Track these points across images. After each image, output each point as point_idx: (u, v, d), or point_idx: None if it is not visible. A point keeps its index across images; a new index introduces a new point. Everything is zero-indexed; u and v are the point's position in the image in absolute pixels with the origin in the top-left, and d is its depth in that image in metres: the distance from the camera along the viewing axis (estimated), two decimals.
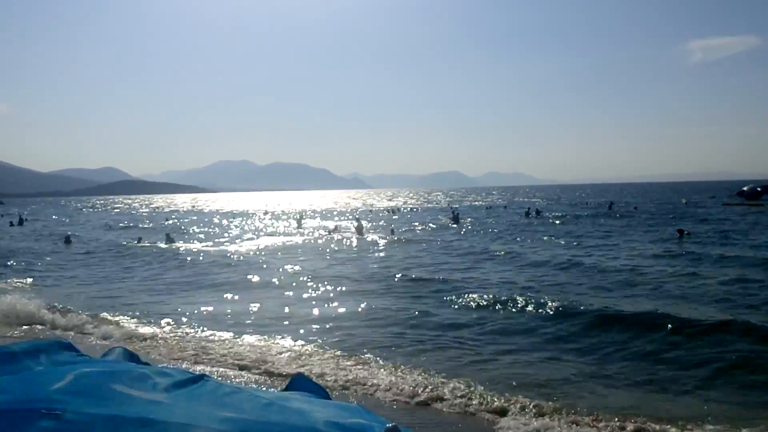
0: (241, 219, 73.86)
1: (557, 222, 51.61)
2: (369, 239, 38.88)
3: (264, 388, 6.04)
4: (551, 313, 15.09)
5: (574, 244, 32.41)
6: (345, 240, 39.04)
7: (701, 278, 20.24)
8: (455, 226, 51.41)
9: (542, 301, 16.15)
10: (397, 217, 71.53)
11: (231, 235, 47.14)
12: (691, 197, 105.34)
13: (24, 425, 2.30)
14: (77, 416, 2.36)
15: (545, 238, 35.24)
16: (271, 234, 46.72)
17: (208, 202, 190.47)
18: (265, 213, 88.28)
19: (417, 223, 53.62)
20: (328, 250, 33.72)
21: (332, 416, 2.69)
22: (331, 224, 53.29)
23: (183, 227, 57.42)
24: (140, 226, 63.41)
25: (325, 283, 21.19)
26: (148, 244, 38.71)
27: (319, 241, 37.68)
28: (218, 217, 79.91)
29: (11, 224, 67.49)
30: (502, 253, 28.06)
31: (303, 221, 57.06)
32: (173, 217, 76.01)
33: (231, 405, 2.68)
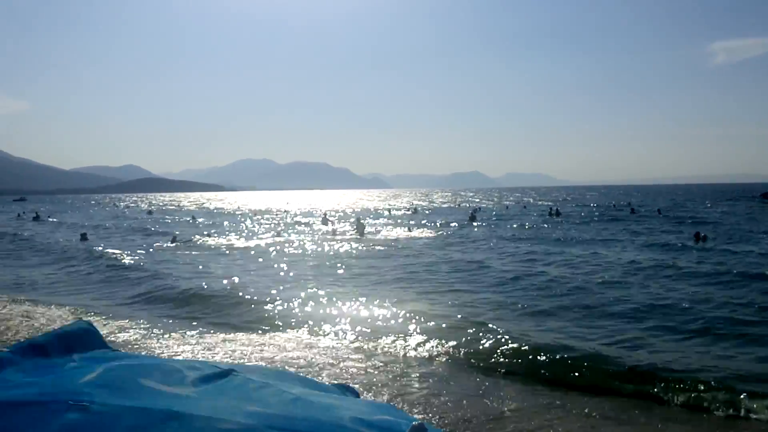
0: (260, 217, 74.17)
1: (576, 223, 50.79)
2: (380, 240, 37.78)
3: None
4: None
5: (575, 251, 29.86)
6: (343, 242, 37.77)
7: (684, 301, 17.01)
8: (475, 224, 52.94)
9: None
10: (414, 214, 73.22)
11: (259, 233, 46.52)
12: (716, 199, 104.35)
13: (52, 416, 2.30)
14: (105, 408, 2.37)
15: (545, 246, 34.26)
16: (278, 234, 45.11)
17: (227, 201, 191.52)
18: (285, 212, 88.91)
19: (430, 225, 53.00)
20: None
21: (359, 413, 2.68)
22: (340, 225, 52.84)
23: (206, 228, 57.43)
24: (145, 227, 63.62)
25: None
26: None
27: (336, 244, 37.15)
28: (231, 217, 79.77)
29: (35, 218, 70.31)
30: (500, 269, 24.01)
31: (329, 220, 56.23)
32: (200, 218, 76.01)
33: (258, 399, 2.68)
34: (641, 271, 22.36)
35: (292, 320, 14.77)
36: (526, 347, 11.80)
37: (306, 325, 14.24)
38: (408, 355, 12.01)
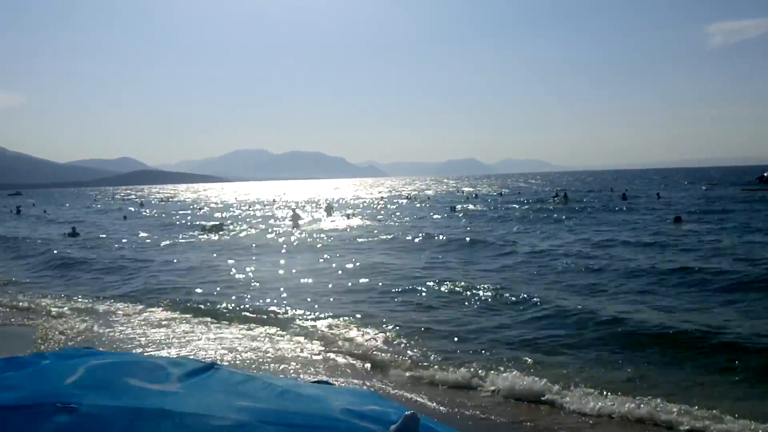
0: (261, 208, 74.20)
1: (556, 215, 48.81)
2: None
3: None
4: None
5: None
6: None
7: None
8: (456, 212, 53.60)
9: None
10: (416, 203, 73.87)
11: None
12: (712, 183, 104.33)
13: (41, 420, 2.28)
14: (94, 409, 2.35)
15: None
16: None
17: (223, 192, 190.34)
18: (273, 201, 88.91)
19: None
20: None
21: (348, 403, 2.68)
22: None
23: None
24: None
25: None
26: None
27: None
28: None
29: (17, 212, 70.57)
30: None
31: (332, 210, 56.59)
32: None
33: (246, 394, 2.67)
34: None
35: None
36: None
37: None
38: None
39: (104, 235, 39.84)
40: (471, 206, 60.10)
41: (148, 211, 70.26)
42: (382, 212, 57.18)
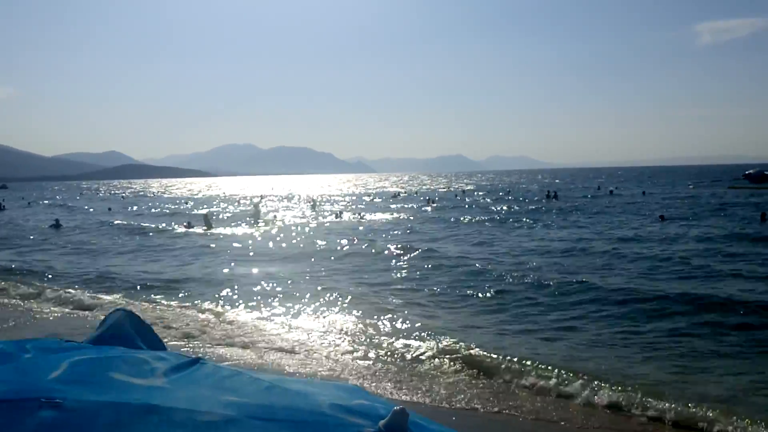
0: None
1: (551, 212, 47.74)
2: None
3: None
4: None
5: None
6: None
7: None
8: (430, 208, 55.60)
9: None
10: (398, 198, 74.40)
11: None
12: (699, 181, 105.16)
13: (24, 415, 2.26)
14: (78, 404, 2.32)
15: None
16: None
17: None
18: (261, 197, 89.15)
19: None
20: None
21: (336, 398, 2.66)
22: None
23: None
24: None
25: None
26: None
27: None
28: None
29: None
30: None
31: (317, 206, 57.36)
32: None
33: (232, 389, 2.65)
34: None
35: None
36: None
37: None
38: None
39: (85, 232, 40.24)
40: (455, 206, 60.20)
41: (116, 211, 69.08)
42: (351, 210, 57.07)
